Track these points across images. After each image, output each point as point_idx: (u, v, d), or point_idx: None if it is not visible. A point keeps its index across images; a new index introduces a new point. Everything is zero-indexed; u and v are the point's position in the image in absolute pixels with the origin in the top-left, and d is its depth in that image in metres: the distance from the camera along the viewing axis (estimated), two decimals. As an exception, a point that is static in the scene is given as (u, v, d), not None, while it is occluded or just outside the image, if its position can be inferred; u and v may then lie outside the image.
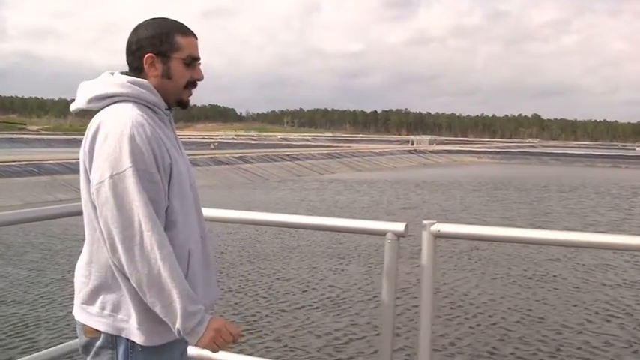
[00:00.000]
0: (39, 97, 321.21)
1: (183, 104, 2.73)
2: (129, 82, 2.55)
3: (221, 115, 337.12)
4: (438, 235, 3.00)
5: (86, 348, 2.59)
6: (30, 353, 3.61)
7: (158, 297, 2.37)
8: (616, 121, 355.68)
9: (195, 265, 2.62)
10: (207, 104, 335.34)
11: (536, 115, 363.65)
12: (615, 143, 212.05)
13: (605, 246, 2.96)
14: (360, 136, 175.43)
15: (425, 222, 3.01)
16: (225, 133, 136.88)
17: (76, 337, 2.70)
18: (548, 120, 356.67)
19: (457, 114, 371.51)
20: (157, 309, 2.39)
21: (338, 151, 56.41)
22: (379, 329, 3.13)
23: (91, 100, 2.56)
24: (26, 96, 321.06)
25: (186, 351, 2.83)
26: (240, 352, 7.56)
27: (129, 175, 2.36)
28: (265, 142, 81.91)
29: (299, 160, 45.48)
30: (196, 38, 2.69)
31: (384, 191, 30.47)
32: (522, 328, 8.98)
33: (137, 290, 2.40)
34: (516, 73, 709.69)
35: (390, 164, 54.80)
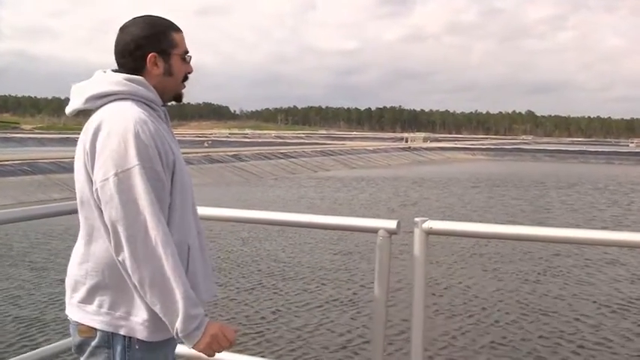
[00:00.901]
0: (33, 96, 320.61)
1: (179, 98, 2.75)
2: (125, 79, 2.54)
3: (215, 113, 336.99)
4: (430, 232, 3.01)
5: (80, 348, 2.56)
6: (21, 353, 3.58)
7: (160, 297, 2.37)
8: (609, 118, 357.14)
9: (195, 260, 2.62)
10: (201, 102, 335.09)
11: (530, 111, 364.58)
12: (609, 139, 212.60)
13: (602, 242, 2.97)
14: (354, 133, 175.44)
15: (417, 219, 3.02)
16: (219, 131, 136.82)
17: (66, 338, 2.68)
18: (542, 116, 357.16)
19: (451, 111, 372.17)
20: (157, 308, 2.38)
21: (332, 149, 56.39)
22: (371, 326, 3.14)
23: (88, 100, 2.54)
24: (20, 95, 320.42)
25: (175, 348, 2.81)
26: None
27: (135, 172, 2.35)
28: (259, 140, 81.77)
29: (293, 157, 45.47)
30: (183, 33, 2.71)
31: (383, 188, 30.55)
32: (516, 325, 9.00)
33: (138, 288, 2.39)
34: (511, 70, 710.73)
35: (384, 161, 54.81)
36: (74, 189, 2.56)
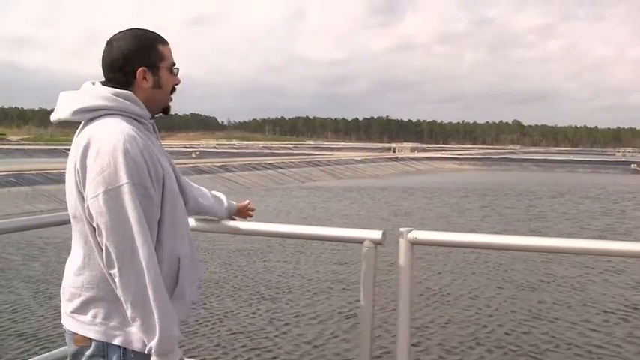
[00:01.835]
0: (19, 107, 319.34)
1: (167, 110, 2.79)
2: (114, 94, 2.56)
3: (202, 124, 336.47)
4: (415, 242, 3.02)
5: (75, 357, 2.60)
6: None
7: (140, 314, 2.41)
8: (596, 127, 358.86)
9: (184, 269, 2.67)
10: (188, 113, 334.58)
11: (517, 121, 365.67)
12: (595, 149, 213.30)
13: (592, 252, 2.99)
14: (342, 144, 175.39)
15: (402, 229, 3.04)
16: (207, 142, 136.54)
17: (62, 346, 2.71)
18: (529, 126, 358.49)
19: (439, 121, 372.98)
20: (137, 324, 2.43)
21: (320, 159, 56.36)
22: (358, 336, 3.16)
23: (75, 113, 2.55)
24: (7, 106, 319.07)
25: None
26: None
27: (125, 190, 2.39)
28: (247, 151, 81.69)
29: (281, 168, 45.46)
30: (169, 45, 2.74)
31: (375, 198, 30.59)
32: (503, 334, 9.03)
33: (123, 302, 2.43)
34: (500, 79, 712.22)
35: (372, 172, 54.85)
36: (61, 200, 2.60)
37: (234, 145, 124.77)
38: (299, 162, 51.27)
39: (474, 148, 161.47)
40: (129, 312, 2.42)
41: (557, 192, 35.77)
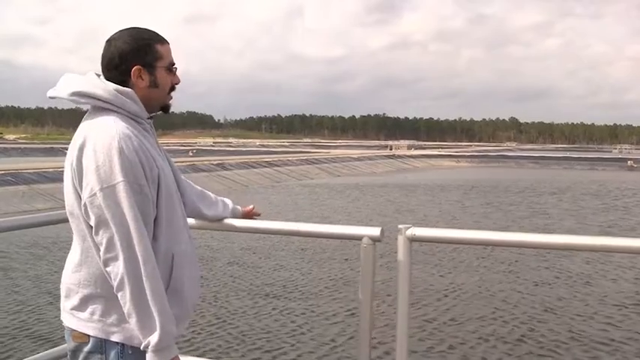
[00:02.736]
0: (16, 105, 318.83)
1: (167, 109, 2.81)
2: (115, 90, 2.58)
3: (199, 122, 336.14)
4: (413, 239, 3.02)
5: (74, 353, 2.62)
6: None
7: (137, 310, 2.42)
8: (593, 124, 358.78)
9: (180, 266, 2.68)
10: (185, 112, 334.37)
11: (514, 118, 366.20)
12: (592, 145, 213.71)
13: (589, 248, 2.98)
14: (339, 141, 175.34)
15: (400, 226, 3.03)
16: (204, 140, 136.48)
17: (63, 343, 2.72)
18: (526, 123, 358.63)
19: (435, 118, 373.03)
20: (133, 321, 2.44)
21: (317, 157, 56.39)
22: (357, 334, 3.15)
23: (73, 94, 2.58)
24: (2, 105, 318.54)
25: None
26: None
27: (120, 188, 2.42)
28: (244, 149, 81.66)
29: (278, 166, 45.48)
30: (169, 44, 2.75)
31: (378, 195, 30.65)
32: (501, 330, 9.03)
33: (119, 299, 2.45)
34: (497, 77, 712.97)
35: (368, 169, 54.89)
36: (58, 199, 2.62)
37: (231, 143, 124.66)
38: (296, 160, 51.28)
39: (471, 145, 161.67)
40: (125, 308, 2.44)
41: (558, 188, 35.85)
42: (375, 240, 3.03)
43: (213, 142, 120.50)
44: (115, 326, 2.53)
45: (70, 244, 2.68)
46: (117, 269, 2.41)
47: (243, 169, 41.50)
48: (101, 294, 2.54)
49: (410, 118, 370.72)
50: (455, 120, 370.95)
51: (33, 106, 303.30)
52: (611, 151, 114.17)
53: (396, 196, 30.45)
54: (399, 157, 70.25)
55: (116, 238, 2.41)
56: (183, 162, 39.01)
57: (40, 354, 3.61)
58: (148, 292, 2.42)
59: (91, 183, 2.43)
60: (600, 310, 10.20)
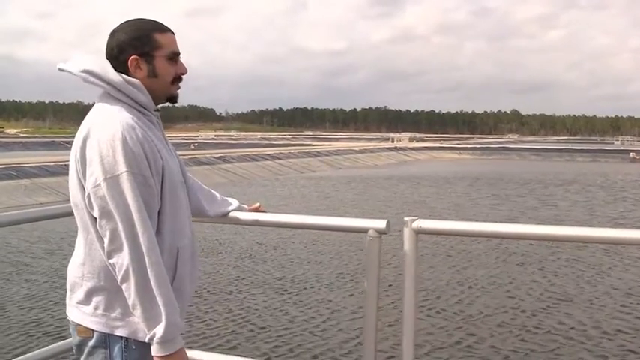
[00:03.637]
0: (17, 100, 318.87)
1: (173, 99, 2.78)
2: (125, 80, 2.57)
3: (201, 115, 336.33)
4: (419, 232, 3.00)
5: (79, 347, 2.61)
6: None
7: (142, 301, 2.41)
8: (594, 116, 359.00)
9: (183, 261, 2.67)
10: (186, 105, 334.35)
11: (516, 110, 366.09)
12: (594, 137, 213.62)
13: (599, 240, 2.97)
14: (340, 134, 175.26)
15: (406, 218, 3.01)
16: (205, 134, 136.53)
17: (69, 337, 2.72)
18: (528, 115, 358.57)
19: (437, 111, 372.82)
20: (138, 312, 2.43)
21: (318, 150, 56.38)
22: (362, 326, 3.14)
23: (83, 71, 2.57)
24: (4, 99, 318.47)
25: None
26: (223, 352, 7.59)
27: (124, 179, 2.40)
28: (245, 142, 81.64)
29: (279, 159, 45.48)
30: (174, 34, 2.73)
31: (384, 188, 30.65)
32: (509, 324, 9.01)
33: (124, 291, 2.43)
34: (499, 70, 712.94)
35: (370, 162, 54.90)
36: (60, 193, 2.60)
37: (232, 136, 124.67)
38: (297, 153, 51.29)
39: (473, 137, 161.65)
40: (130, 300, 2.42)
41: (563, 180, 35.93)
42: (380, 232, 3.01)
43: (215, 136, 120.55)
44: (119, 320, 2.52)
45: None
46: (121, 260, 2.40)
47: (245, 162, 41.49)
48: (105, 287, 2.53)
49: (411, 110, 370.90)
50: (456, 112, 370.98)
51: (34, 101, 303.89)
52: (612, 143, 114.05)
53: (403, 188, 30.46)
54: (401, 149, 70.26)
55: (120, 228, 2.40)
56: (185, 155, 38.97)
57: (47, 347, 3.61)
58: (152, 282, 2.40)
59: (94, 174, 2.42)
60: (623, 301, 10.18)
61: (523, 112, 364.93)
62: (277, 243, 14.74)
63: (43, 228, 15.10)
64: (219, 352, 7.27)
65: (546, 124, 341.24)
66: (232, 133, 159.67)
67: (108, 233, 2.42)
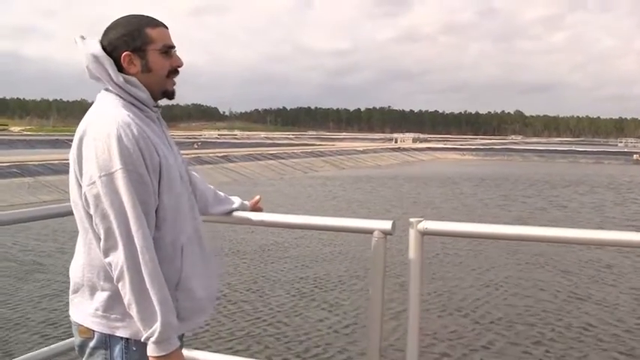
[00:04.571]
0: (21, 97, 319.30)
1: (169, 94, 2.74)
2: (125, 79, 2.57)
3: (204, 114, 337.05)
4: (425, 233, 2.99)
5: (81, 348, 2.61)
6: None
7: (138, 300, 2.40)
8: (598, 117, 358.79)
9: (190, 259, 2.65)
10: (190, 104, 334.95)
11: (519, 111, 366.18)
12: (598, 139, 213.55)
13: (604, 243, 2.95)
14: (344, 134, 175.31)
15: (412, 219, 3.00)
16: (209, 133, 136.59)
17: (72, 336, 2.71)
18: (531, 116, 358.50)
19: (440, 111, 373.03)
20: (133, 311, 2.41)
21: (322, 150, 56.34)
22: (367, 327, 3.12)
23: (92, 55, 2.57)
24: (8, 97, 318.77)
25: None
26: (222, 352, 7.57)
27: (119, 176, 2.38)
28: (249, 141, 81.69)
29: (283, 158, 45.47)
30: (167, 28, 2.70)
31: (392, 188, 30.73)
32: (514, 326, 8.99)
33: (120, 289, 2.42)
34: (504, 70, 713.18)
35: (373, 162, 54.87)
36: (63, 191, 2.60)
37: (236, 135, 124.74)
38: (301, 152, 51.29)
39: (476, 138, 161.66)
40: (125, 299, 2.41)
41: (569, 181, 36.03)
42: (386, 233, 3.01)
43: (219, 135, 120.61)
44: (120, 321, 2.51)
45: None
46: (116, 259, 2.39)
47: (248, 161, 41.50)
48: (105, 287, 2.52)
49: (415, 111, 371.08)
50: (460, 113, 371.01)
51: (38, 98, 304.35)
52: (616, 145, 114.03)
53: (409, 188, 30.48)
54: (405, 149, 70.25)
55: (114, 226, 2.39)
56: (188, 154, 38.99)
57: (51, 346, 3.61)
58: (147, 280, 2.39)
59: (90, 171, 2.41)
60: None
61: (527, 113, 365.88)
62: (289, 241, 14.74)
63: (50, 227, 15.16)
64: (220, 353, 7.26)
65: (550, 125, 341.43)
66: (236, 132, 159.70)
67: (103, 231, 2.40)
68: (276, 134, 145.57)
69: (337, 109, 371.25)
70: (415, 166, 52.27)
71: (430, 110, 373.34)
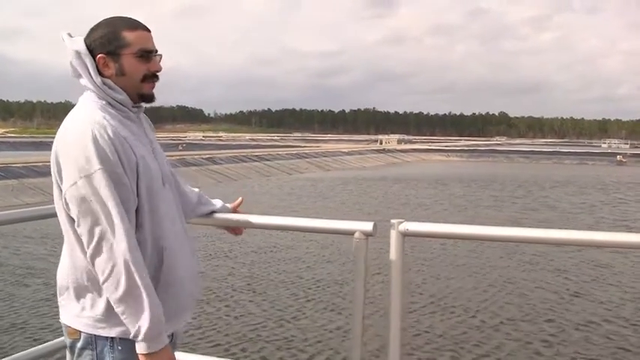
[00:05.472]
0: (4, 99, 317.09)
1: (145, 98, 2.70)
2: (102, 82, 2.56)
3: (189, 116, 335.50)
4: (406, 234, 2.99)
5: (71, 349, 2.61)
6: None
7: (125, 298, 2.38)
8: (582, 118, 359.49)
9: (172, 261, 2.64)
10: (174, 105, 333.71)
11: (504, 112, 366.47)
12: (582, 140, 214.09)
13: (585, 243, 2.98)
14: (329, 136, 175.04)
15: (393, 220, 3.01)
16: (194, 134, 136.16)
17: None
18: (515, 117, 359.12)
19: (425, 112, 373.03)
20: (120, 310, 2.41)
21: (307, 151, 56.39)
22: (349, 329, 3.14)
23: (75, 51, 2.58)
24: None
25: None
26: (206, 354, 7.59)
27: (98, 177, 2.38)
28: (234, 143, 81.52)
29: (267, 160, 45.46)
30: (148, 31, 2.68)
31: (378, 189, 30.84)
32: (496, 325, 9.04)
33: (104, 289, 2.42)
34: (491, 72, 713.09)
35: (358, 164, 54.90)
36: (47, 193, 2.58)
37: (221, 137, 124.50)
38: (285, 154, 51.28)
39: (460, 139, 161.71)
40: (112, 298, 2.40)
41: (557, 182, 36.18)
42: (367, 234, 3.01)
43: (203, 136, 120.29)
44: (104, 321, 2.50)
45: None
46: (100, 259, 2.38)
47: (233, 163, 41.44)
48: (89, 288, 2.51)
49: (400, 112, 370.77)
50: (445, 114, 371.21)
51: (22, 100, 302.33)
52: (600, 146, 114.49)
53: (397, 189, 30.51)
54: (390, 151, 70.29)
55: (97, 226, 2.38)
56: (173, 156, 38.88)
57: (41, 345, 3.60)
58: (133, 279, 2.38)
59: (68, 174, 2.41)
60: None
61: (511, 115, 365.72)
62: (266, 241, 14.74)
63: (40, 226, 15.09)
64: (210, 355, 7.27)
65: (534, 127, 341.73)
66: (221, 134, 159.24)
67: (86, 232, 2.39)
68: (262, 136, 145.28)
69: (322, 110, 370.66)
70: (400, 168, 52.28)
71: (415, 112, 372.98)
